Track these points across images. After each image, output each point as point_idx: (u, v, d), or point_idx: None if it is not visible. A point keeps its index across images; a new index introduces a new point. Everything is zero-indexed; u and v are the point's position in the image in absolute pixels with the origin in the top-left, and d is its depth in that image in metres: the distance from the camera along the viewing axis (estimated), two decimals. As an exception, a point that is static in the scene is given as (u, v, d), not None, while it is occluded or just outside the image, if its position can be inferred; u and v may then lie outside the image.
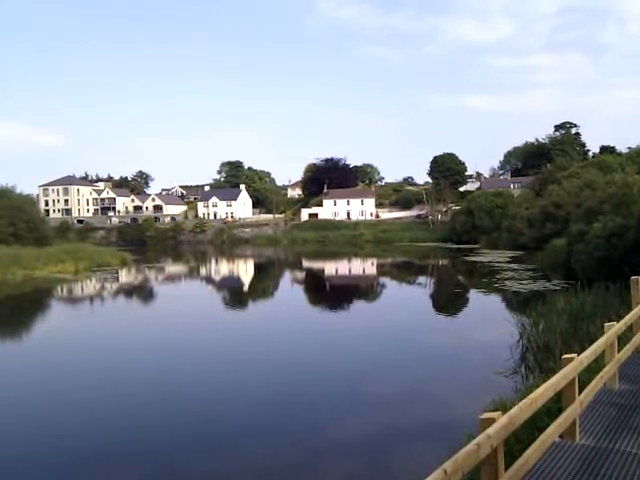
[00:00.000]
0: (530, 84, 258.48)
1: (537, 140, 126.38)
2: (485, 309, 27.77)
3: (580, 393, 6.85)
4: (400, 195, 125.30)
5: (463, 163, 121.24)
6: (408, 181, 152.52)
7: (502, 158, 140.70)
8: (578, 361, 6.65)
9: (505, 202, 77.55)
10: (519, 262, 47.65)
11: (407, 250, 77.76)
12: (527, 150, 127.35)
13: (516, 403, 8.80)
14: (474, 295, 33.29)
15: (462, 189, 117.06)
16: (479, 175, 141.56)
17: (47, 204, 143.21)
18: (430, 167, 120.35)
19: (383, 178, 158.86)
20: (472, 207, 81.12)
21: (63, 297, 37.57)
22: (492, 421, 4.47)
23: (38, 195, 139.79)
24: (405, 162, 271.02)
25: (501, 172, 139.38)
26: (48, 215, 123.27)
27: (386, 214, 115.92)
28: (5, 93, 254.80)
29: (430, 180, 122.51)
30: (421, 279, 46.57)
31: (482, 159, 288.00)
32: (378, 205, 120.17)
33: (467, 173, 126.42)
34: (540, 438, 5.80)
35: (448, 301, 32.43)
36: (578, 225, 29.57)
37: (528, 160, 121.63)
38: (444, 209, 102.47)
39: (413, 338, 21.21)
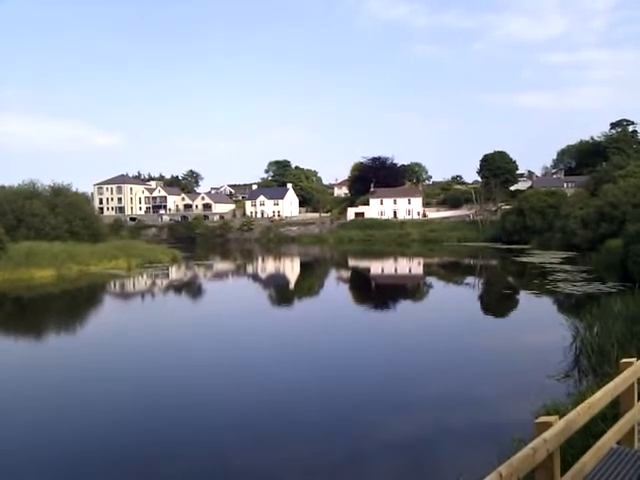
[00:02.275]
0: (584, 81, 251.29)
1: (592, 138, 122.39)
2: (536, 311, 27.07)
3: (639, 399, 6.58)
4: (448, 194, 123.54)
5: (514, 161, 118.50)
6: (457, 180, 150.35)
7: (555, 157, 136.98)
8: (638, 365, 6.39)
9: (558, 202, 75.40)
10: (572, 263, 46.24)
11: (455, 250, 76.60)
12: (581, 148, 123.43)
13: (569, 407, 8.56)
14: (524, 297, 32.49)
15: (513, 188, 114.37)
16: (531, 174, 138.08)
17: (101, 202, 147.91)
18: (480, 165, 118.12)
19: (431, 177, 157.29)
20: (523, 206, 79.21)
21: (116, 292, 38.70)
22: (548, 425, 4.34)
23: (93, 193, 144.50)
24: (454, 160, 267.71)
25: (554, 171, 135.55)
26: (102, 213, 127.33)
27: (434, 213, 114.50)
28: (64, 95, 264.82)
29: (480, 179, 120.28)
30: (469, 280, 45.79)
31: (534, 157, 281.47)
32: (425, 204, 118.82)
33: (518, 172, 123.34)
34: (597, 444, 5.60)
35: (497, 302, 31.77)
36: (636, 225, 28.49)
37: (582, 159, 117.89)
38: (494, 208, 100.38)
39: (461, 339, 20.86)
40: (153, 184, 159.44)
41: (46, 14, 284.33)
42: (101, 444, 11.20)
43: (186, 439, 11.33)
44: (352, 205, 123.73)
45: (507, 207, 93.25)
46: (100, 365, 17.79)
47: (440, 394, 14.06)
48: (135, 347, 20.67)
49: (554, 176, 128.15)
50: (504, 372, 15.92)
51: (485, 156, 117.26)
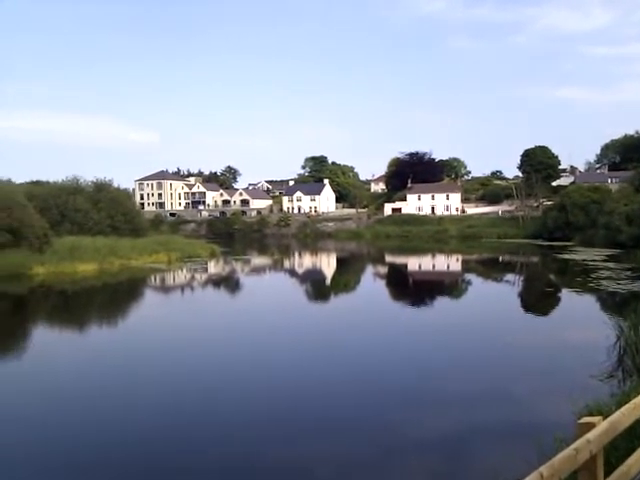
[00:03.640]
0: (629, 74, 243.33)
1: (637, 132, 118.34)
2: (578, 309, 26.42)
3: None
4: (488, 190, 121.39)
5: (556, 156, 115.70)
6: (496, 175, 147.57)
7: (599, 151, 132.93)
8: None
9: (602, 197, 73.29)
10: (616, 261, 44.92)
11: (494, 246, 75.37)
12: (626, 143, 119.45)
13: (613, 408, 8.32)
14: (566, 295, 31.76)
15: (555, 183, 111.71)
16: (573, 169, 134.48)
17: (142, 198, 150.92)
18: (521, 160, 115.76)
19: (470, 172, 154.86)
20: (565, 202, 77.29)
21: (156, 286, 39.47)
22: (592, 426, 4.22)
23: (134, 189, 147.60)
24: (493, 155, 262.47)
25: (597, 166, 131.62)
26: (143, 208, 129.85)
27: (472, 209, 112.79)
28: (106, 92, 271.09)
29: (520, 174, 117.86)
30: (509, 277, 44.98)
31: (577, 152, 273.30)
32: (464, 200, 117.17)
33: (560, 167, 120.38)
34: (643, 447, 5.41)
35: (538, 300, 31.13)
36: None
37: (627, 153, 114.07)
38: (535, 204, 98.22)
39: (500, 337, 20.52)
40: (192, 180, 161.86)
41: (85, 11, 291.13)
42: (137, 435, 11.45)
43: (217, 433, 11.50)
44: (389, 201, 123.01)
45: (549, 203, 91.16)
46: (140, 356, 18.19)
47: (478, 392, 13.86)
48: (173, 339, 21.02)
49: (598, 171, 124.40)
50: (545, 371, 15.58)
51: (526, 151, 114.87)
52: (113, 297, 34.26)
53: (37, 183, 75.87)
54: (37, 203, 49.10)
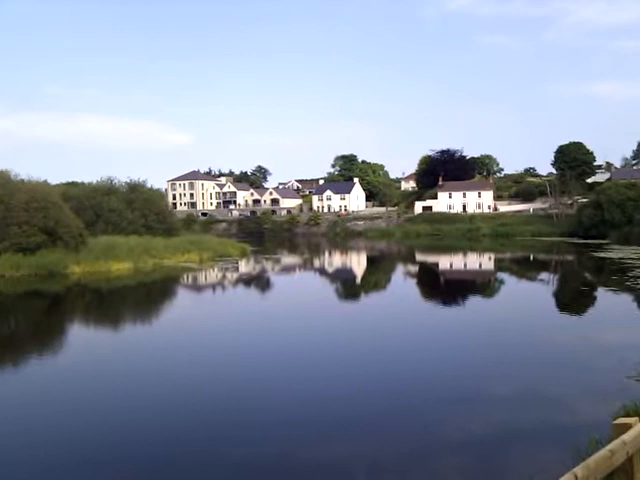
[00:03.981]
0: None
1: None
2: (615, 309, 25.78)
3: None
4: (521, 187, 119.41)
5: (591, 153, 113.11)
6: (530, 172, 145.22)
7: (635, 147, 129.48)
8: None
9: (639, 194, 71.44)
10: (655, 259, 43.71)
11: (528, 245, 74.16)
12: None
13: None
14: (602, 294, 31.04)
15: (590, 180, 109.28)
16: (609, 165, 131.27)
17: (174, 197, 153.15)
18: (554, 157, 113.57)
19: (502, 169, 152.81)
20: (601, 200, 75.58)
21: (189, 285, 39.98)
22: (628, 427, 4.13)
23: (167, 189, 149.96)
24: (527, 152, 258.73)
25: (634, 162, 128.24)
26: (175, 208, 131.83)
27: (505, 207, 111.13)
28: (138, 95, 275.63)
29: (554, 171, 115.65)
30: (543, 275, 44.18)
31: (612, 148, 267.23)
32: (497, 197, 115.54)
33: (596, 163, 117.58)
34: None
35: (573, 299, 30.52)
36: None
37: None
38: (569, 202, 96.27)
39: (534, 336, 20.19)
40: (223, 180, 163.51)
41: (117, 15, 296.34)
42: (166, 434, 11.64)
43: (251, 432, 11.58)
44: (420, 199, 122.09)
45: (584, 200, 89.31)
46: (173, 355, 18.46)
47: (513, 391, 13.68)
48: (206, 339, 21.30)
49: (634, 167, 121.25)
50: (580, 371, 15.29)
51: (560, 147, 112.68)
52: (147, 296, 34.83)
53: (73, 184, 77.85)
54: (73, 204, 50.23)
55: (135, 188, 63.70)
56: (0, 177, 43.48)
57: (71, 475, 9.75)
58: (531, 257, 60.09)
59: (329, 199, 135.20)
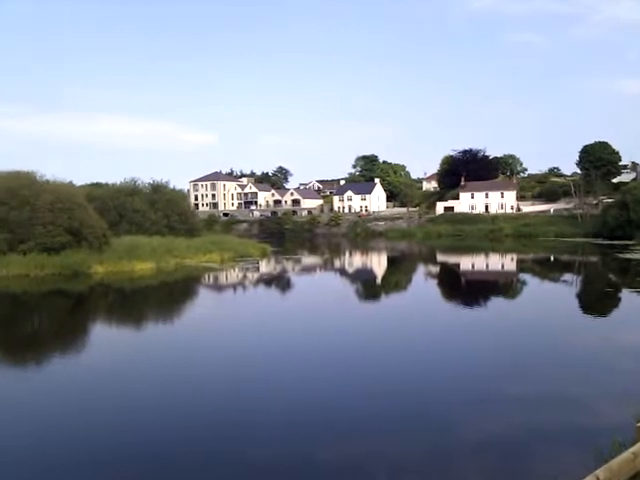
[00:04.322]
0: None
1: None
2: (641, 310, 25.34)
3: None
4: (544, 187, 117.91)
5: (617, 152, 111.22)
6: (554, 172, 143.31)
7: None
8: None
9: (667, 194, 70.07)
10: (683, 260, 42.80)
11: (551, 246, 73.21)
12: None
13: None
14: (627, 296, 30.51)
15: (615, 180, 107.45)
16: (635, 165, 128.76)
17: (196, 198, 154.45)
18: (579, 157, 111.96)
19: (526, 169, 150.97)
20: (627, 200, 74.26)
21: (210, 285, 40.26)
22: (651, 429, 4.05)
23: (189, 190, 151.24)
24: (551, 152, 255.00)
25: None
26: (197, 208, 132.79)
27: (528, 207, 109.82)
28: (166, 95, 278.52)
29: (579, 171, 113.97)
30: (567, 277, 43.59)
31: (639, 148, 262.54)
32: (520, 197, 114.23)
33: (621, 163, 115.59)
34: None
35: (597, 301, 30.05)
36: None
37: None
38: (594, 202, 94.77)
39: (557, 338, 19.94)
40: (245, 181, 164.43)
41: (140, 15, 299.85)
42: (187, 434, 11.72)
43: (273, 431, 11.62)
44: (441, 199, 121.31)
45: (609, 200, 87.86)
46: (194, 355, 18.61)
47: (535, 393, 13.52)
48: (227, 336, 21.45)
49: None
50: (604, 372, 15.05)
51: (585, 147, 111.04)
52: (169, 295, 35.16)
53: (97, 185, 78.90)
54: (97, 204, 50.95)
55: (158, 189, 64.35)
56: (26, 178, 44.27)
57: (92, 472, 9.88)
58: (553, 258, 59.30)
59: (350, 200, 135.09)
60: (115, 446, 10.89)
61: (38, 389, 14.93)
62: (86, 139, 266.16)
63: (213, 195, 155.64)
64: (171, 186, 69.10)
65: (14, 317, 27.67)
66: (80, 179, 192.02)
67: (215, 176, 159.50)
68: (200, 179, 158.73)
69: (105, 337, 22.23)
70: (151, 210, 58.66)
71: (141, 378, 15.72)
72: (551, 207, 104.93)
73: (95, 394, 14.21)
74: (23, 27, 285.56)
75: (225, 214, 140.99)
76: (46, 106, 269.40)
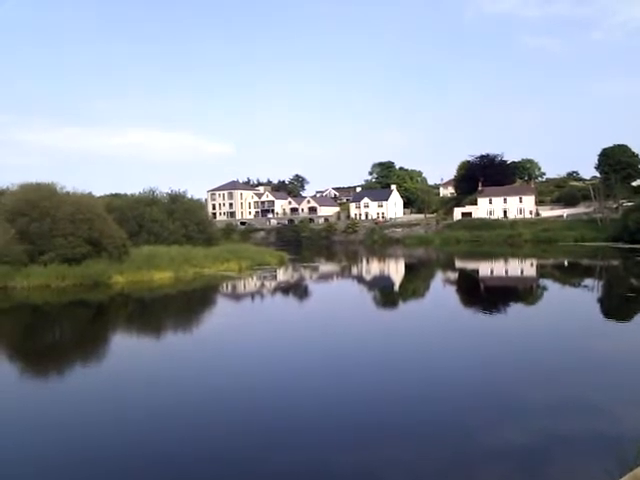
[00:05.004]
0: None
1: None
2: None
3: None
4: (563, 191, 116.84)
5: (636, 155, 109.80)
6: (573, 176, 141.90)
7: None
8: None
9: (689, 196, 68.94)
10: None
11: (571, 250, 72.37)
12: None
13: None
14: (650, 300, 30.03)
15: (635, 184, 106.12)
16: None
17: (214, 207, 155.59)
18: (598, 160, 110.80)
19: (544, 174, 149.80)
20: (648, 203, 73.24)
21: (228, 293, 40.44)
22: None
23: (206, 199, 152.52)
24: (569, 156, 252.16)
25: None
26: (215, 217, 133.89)
27: (547, 212, 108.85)
28: (179, 106, 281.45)
29: (598, 174, 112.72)
30: (587, 282, 43.04)
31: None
32: (538, 202, 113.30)
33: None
34: None
35: (618, 306, 29.64)
36: None
37: None
38: (614, 206, 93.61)
39: (578, 344, 19.71)
40: (261, 189, 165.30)
41: (157, 29, 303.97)
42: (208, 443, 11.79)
43: (288, 436, 11.64)
44: (459, 205, 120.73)
45: (629, 204, 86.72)
46: (214, 364, 18.71)
47: (555, 399, 13.38)
48: (245, 344, 21.53)
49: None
50: (627, 378, 14.83)
51: (604, 150, 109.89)
52: (188, 304, 35.39)
53: (116, 195, 79.81)
54: (116, 215, 51.50)
55: (176, 199, 64.91)
56: (46, 190, 44.95)
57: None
58: (572, 263, 58.60)
59: (366, 206, 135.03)
60: (134, 455, 10.99)
61: (59, 398, 15.11)
62: (105, 150, 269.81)
63: (230, 204, 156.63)
64: (189, 196, 69.70)
65: (36, 327, 28.08)
66: (99, 190, 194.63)
67: (232, 185, 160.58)
68: (217, 188, 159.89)
69: (126, 346, 22.44)
70: (169, 220, 59.15)
71: (161, 386, 15.83)
72: (564, 212, 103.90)
73: (116, 403, 14.34)
74: (48, 40, 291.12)
75: (242, 223, 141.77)
76: (65, 119, 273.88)
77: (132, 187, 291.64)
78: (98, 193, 76.32)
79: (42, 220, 41.49)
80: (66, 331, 27.28)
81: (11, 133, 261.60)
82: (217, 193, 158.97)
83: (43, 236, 41.13)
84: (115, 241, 43.89)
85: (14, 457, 11.08)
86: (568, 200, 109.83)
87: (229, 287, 43.32)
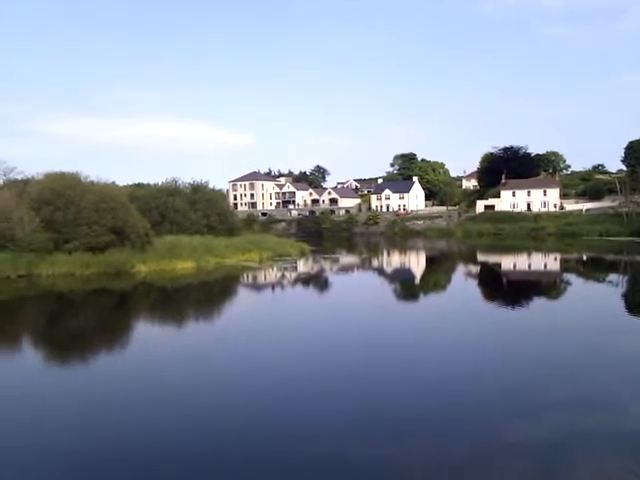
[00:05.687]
0: None
1: None
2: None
3: None
4: (588, 184, 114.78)
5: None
6: (598, 169, 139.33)
7: None
8: None
9: None
10: None
11: (596, 245, 71.22)
12: None
13: None
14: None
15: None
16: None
17: (235, 198, 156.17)
18: (625, 153, 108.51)
19: (569, 166, 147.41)
20: (676, 197, 71.59)
21: (249, 284, 40.63)
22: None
23: (228, 190, 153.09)
24: (595, 148, 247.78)
25: None
26: (236, 208, 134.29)
27: (572, 205, 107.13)
28: (201, 97, 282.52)
29: (624, 167, 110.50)
30: (612, 277, 42.33)
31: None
32: (563, 196, 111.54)
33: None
34: None
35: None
36: None
37: None
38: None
39: (602, 340, 19.41)
40: (282, 180, 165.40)
41: (176, 20, 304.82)
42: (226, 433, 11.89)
43: (310, 429, 11.69)
44: (481, 197, 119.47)
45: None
46: (236, 354, 18.83)
47: (578, 395, 13.24)
48: (268, 337, 21.62)
49: None
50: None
51: (630, 143, 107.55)
52: (209, 294, 35.65)
53: (139, 185, 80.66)
54: (139, 204, 51.97)
55: (198, 189, 65.26)
56: (71, 179, 45.53)
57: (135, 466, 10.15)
58: (597, 258, 57.65)
59: (388, 198, 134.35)
60: (151, 442, 11.15)
61: (82, 383, 15.37)
62: (129, 141, 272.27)
63: (252, 195, 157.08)
64: (210, 186, 70.04)
65: (62, 315, 28.57)
66: (123, 180, 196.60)
67: (253, 176, 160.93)
68: (239, 179, 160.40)
69: (148, 334, 22.70)
70: (191, 210, 59.51)
71: (181, 373, 16.01)
72: (584, 206, 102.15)
73: (135, 393, 14.54)
74: (67, 30, 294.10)
75: (264, 214, 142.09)
76: (90, 109, 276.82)
77: (153, 177, 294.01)
78: (121, 183, 77.15)
79: (67, 209, 42.07)
80: (90, 318, 27.68)
81: (30, 124, 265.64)
82: (238, 184, 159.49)
83: (68, 225, 41.71)
84: (138, 230, 44.34)
85: (48, 440, 11.31)
86: (593, 193, 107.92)
87: (250, 277, 43.51)
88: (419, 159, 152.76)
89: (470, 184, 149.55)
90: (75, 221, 41.77)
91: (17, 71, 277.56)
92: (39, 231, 40.70)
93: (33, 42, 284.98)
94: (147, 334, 22.83)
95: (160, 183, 68.15)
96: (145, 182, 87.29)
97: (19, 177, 55.13)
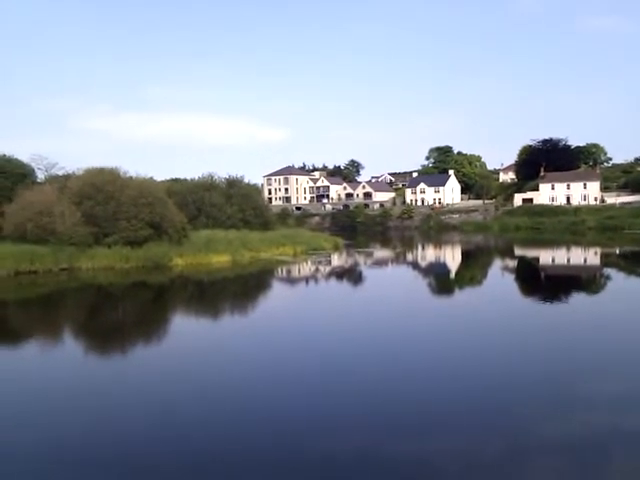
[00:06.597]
0: None
1: None
2: None
3: None
4: (631, 177, 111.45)
5: None
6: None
7: None
8: None
9: None
10: None
11: (638, 239, 69.13)
12: None
13: None
14: None
15: None
16: None
17: (270, 192, 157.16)
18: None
19: (610, 159, 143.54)
20: None
21: (283, 278, 40.89)
22: None
23: (262, 184, 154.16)
24: (637, 140, 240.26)
25: None
26: (271, 202, 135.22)
27: (613, 198, 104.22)
28: (236, 93, 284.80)
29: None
30: (655, 272, 41.06)
31: None
32: (604, 189, 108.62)
33: None
34: None
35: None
36: None
37: None
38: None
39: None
40: (317, 174, 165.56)
41: (211, 16, 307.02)
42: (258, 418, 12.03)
43: (337, 425, 11.73)
44: (519, 191, 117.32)
45: None
46: (272, 348, 19.01)
47: (617, 393, 12.90)
48: (303, 332, 21.75)
49: None
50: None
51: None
52: (245, 287, 36.03)
53: (176, 180, 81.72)
54: (176, 199, 52.80)
55: (233, 184, 65.91)
56: (110, 174, 46.52)
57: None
58: (638, 252, 56.01)
59: (422, 192, 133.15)
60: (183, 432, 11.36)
61: (122, 373, 15.75)
62: (167, 137, 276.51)
63: (286, 189, 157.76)
64: (246, 181, 70.64)
65: (101, 307, 29.29)
66: (160, 175, 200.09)
67: (288, 170, 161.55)
68: (273, 173, 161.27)
69: (185, 327, 23.10)
70: (227, 204, 60.17)
71: (218, 365, 16.24)
72: (619, 200, 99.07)
73: (179, 380, 14.83)
74: (104, 28, 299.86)
75: (298, 208, 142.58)
76: (128, 105, 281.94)
77: (189, 172, 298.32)
78: (159, 178, 78.35)
79: (106, 203, 43.03)
80: (129, 311, 28.30)
81: (72, 120, 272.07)
82: (273, 178, 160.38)
83: (107, 219, 42.68)
84: (175, 224, 45.07)
85: (91, 430, 11.65)
86: (635, 186, 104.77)
87: (284, 271, 43.78)
88: (455, 152, 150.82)
89: (507, 177, 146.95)
90: (114, 215, 42.69)
91: (64, 69, 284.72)
92: (80, 225, 41.74)
93: (75, 40, 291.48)
94: (183, 328, 23.21)
95: (196, 178, 69.10)
96: (182, 177, 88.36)
97: (60, 173, 56.57)
